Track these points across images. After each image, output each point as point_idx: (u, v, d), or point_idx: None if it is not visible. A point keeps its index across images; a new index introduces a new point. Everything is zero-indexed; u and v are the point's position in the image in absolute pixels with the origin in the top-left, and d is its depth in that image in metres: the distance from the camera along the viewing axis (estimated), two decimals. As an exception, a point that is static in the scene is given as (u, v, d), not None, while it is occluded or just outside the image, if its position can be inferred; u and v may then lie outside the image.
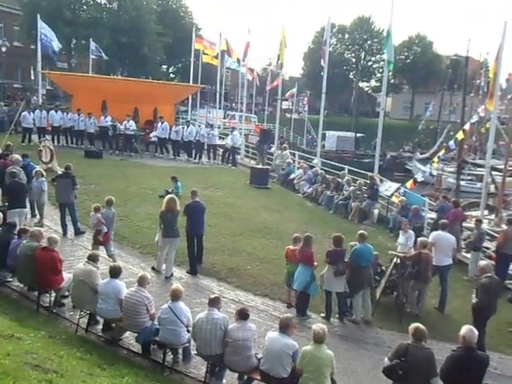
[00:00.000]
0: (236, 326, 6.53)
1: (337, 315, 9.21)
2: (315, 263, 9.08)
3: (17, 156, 12.90)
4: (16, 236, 8.95)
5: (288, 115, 48.80)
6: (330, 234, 12.60)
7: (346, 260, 9.06)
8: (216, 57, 32.78)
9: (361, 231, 9.66)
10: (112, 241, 10.70)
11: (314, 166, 20.18)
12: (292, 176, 19.84)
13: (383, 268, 10.13)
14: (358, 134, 43.91)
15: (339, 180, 17.33)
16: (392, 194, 16.23)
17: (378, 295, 9.66)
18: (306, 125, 46.23)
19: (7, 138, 17.91)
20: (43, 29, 27.02)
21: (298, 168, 20.67)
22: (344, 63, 59.67)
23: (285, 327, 6.26)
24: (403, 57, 58.13)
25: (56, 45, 28.08)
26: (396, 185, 17.01)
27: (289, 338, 6.23)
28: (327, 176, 18.32)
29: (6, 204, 11.31)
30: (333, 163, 21.44)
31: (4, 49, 32.47)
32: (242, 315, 6.57)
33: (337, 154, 37.43)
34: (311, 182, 18.51)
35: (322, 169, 19.49)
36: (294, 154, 23.10)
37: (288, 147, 23.80)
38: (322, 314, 9.16)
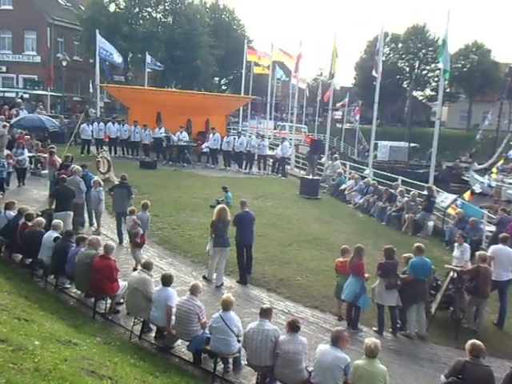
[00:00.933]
0: (286, 338, 6.49)
1: (390, 329, 8.96)
2: (366, 275, 8.91)
3: (77, 167, 13.44)
4: (74, 244, 9.31)
5: (339, 125, 48.39)
6: (382, 246, 12.31)
7: (398, 273, 8.83)
8: (267, 68, 33.05)
9: (418, 244, 9.39)
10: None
11: (365, 177, 19.87)
12: (343, 186, 19.61)
13: (439, 282, 9.79)
14: (412, 144, 42.84)
15: (392, 191, 16.96)
16: (448, 206, 15.71)
17: (434, 310, 9.33)
18: (357, 135, 45.66)
19: (67, 149, 18.74)
20: (102, 43, 28.20)
21: (349, 178, 20.40)
22: (397, 72, 58.61)
23: (336, 340, 6.16)
24: (460, 65, 56.47)
25: (117, 57, 29.21)
26: (452, 196, 16.47)
27: (341, 351, 6.12)
28: (379, 187, 17.97)
29: (53, 207, 11.73)
30: (385, 174, 21.01)
31: (64, 63, 34.00)
32: (293, 327, 6.51)
33: (389, 165, 36.64)
34: (363, 192, 18.21)
35: (373, 179, 19.14)
36: (344, 165, 22.85)
37: (339, 157, 23.57)
38: (375, 328, 8.95)
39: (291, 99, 33.19)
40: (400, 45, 60.09)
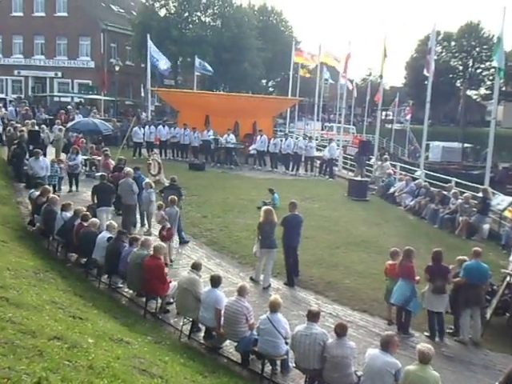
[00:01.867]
0: (334, 342, 6.42)
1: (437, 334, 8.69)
2: (417, 278, 8.69)
3: (129, 169, 13.83)
4: (127, 244, 9.58)
5: (389, 126, 47.47)
6: (434, 249, 12.03)
7: (448, 277, 8.55)
8: (310, 72, 32.89)
9: (475, 248, 9.06)
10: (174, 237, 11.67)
11: (416, 178, 19.37)
12: (392, 188, 19.19)
13: (495, 287, 9.41)
14: (466, 145, 41.48)
15: (445, 193, 16.45)
16: (505, 209, 15.07)
17: (489, 315, 8.98)
18: (407, 135, 44.63)
19: (120, 152, 19.32)
20: (152, 49, 28.94)
21: (400, 180, 19.96)
22: (450, 71, 56.98)
23: (386, 345, 6.03)
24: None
25: (164, 63, 29.87)
26: (509, 198, 15.77)
27: (391, 356, 5.99)
28: (431, 188, 17.48)
29: (95, 203, 12.60)
30: (438, 175, 20.42)
31: (117, 68, 35.04)
32: (340, 331, 6.43)
33: (442, 166, 35.58)
34: (414, 194, 17.75)
35: (425, 181, 18.63)
36: (394, 166, 22.38)
37: (389, 158, 23.11)
38: (426, 333, 8.70)
39: (339, 100, 32.88)
40: (453, 43, 58.47)
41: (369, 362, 6.07)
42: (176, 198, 11.90)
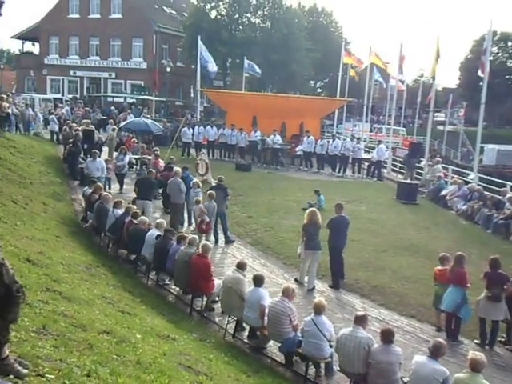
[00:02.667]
0: (380, 348, 6.30)
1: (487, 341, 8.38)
2: (468, 284, 8.41)
3: (177, 168, 14.10)
4: (174, 242, 9.76)
5: (440, 127, 46.13)
6: (487, 255, 11.53)
7: (507, 285, 8.22)
8: (358, 74, 32.46)
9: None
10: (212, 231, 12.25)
11: (469, 182, 18.74)
12: (444, 192, 18.62)
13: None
14: (523, 148, 39.69)
15: (499, 197, 15.83)
16: None
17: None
18: (461, 137, 43.23)
19: (169, 151, 19.71)
20: (202, 50, 29.36)
21: (452, 183, 19.36)
22: (507, 72, 54.77)
23: (435, 352, 5.88)
24: None
25: (211, 66, 30.27)
26: None
27: (438, 363, 5.85)
28: (485, 192, 16.86)
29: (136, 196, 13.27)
30: (492, 179, 19.66)
31: (168, 69, 35.74)
32: (387, 337, 6.31)
33: (497, 169, 34.17)
34: (466, 198, 17.17)
35: (479, 185, 18.00)
36: (446, 169, 21.73)
37: (440, 161, 22.46)
38: (476, 341, 8.41)
39: (389, 101, 32.21)
40: (510, 43, 56.23)
41: (416, 369, 5.94)
42: (213, 193, 12.32)
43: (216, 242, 12.46)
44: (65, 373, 3.45)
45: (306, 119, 26.22)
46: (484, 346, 8.28)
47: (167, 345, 5.79)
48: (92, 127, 20.97)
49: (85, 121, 22.84)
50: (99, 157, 16.15)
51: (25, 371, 3.18)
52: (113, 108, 32.93)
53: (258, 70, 33.93)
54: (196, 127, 25.27)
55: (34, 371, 3.27)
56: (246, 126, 24.71)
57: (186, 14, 46.29)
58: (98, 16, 45.52)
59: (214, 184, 14.85)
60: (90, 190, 12.64)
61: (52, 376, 3.32)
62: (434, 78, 24.22)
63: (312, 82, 56.59)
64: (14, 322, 1.66)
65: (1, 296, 1.56)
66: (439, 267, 8.92)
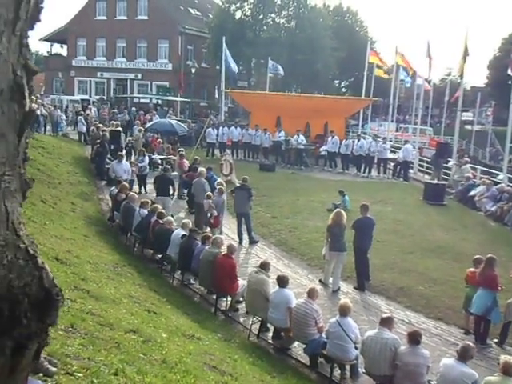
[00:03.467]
0: (407, 349, 6.23)
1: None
2: (499, 287, 8.24)
3: (202, 169, 14.18)
4: (199, 242, 9.82)
5: (468, 127, 45.28)
6: (517, 258, 11.36)
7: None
8: (388, 72, 32.09)
9: None
10: (221, 224, 12.65)
11: (499, 182, 18.34)
12: (472, 192, 18.26)
13: None
14: (554, 147, 38.64)
15: (530, 198, 15.46)
16: None
17: None
18: (489, 137, 42.36)
19: (194, 152, 19.84)
20: (226, 51, 29.51)
21: (480, 184, 18.97)
22: (536, 69, 53.39)
23: (463, 355, 5.79)
24: None
25: (233, 66, 30.45)
26: None
27: (467, 366, 5.75)
28: (515, 194, 16.46)
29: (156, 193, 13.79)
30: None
31: (193, 70, 35.95)
32: (414, 339, 6.23)
33: (527, 170, 33.41)
34: (495, 199, 16.80)
35: (508, 185, 17.60)
36: (475, 169, 21.32)
37: (468, 161, 22.04)
38: (495, 340, 8.26)
39: (415, 100, 31.76)
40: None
41: (444, 372, 5.85)
42: (222, 188, 12.68)
43: (240, 242, 12.47)
44: (93, 371, 3.50)
45: (330, 119, 26.06)
46: (502, 345, 8.14)
47: (192, 344, 5.82)
48: (119, 128, 21.26)
49: (114, 122, 23.15)
50: (126, 160, 16.31)
51: (54, 369, 3.24)
52: (134, 109, 33.27)
53: (282, 70, 33.88)
54: (220, 128, 25.39)
55: (62, 369, 3.33)
56: (270, 126, 24.70)
57: (210, 15, 46.51)
58: (125, 18, 46.07)
59: (238, 184, 14.88)
60: (117, 190, 12.81)
61: (80, 374, 3.37)
62: (461, 77, 23.81)
63: (337, 82, 56.18)
64: (53, 325, 1.68)
65: (41, 300, 1.58)
66: (472, 269, 8.76)
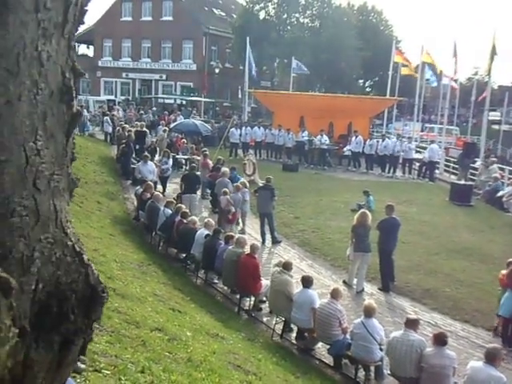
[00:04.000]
0: (433, 351, 6.15)
1: None
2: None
3: (225, 169, 14.25)
4: (222, 241, 9.86)
5: (496, 127, 44.37)
6: (546, 260, 11.07)
7: None
8: (416, 70, 31.71)
9: None
10: (241, 221, 13.02)
11: (527, 183, 17.94)
12: (500, 193, 17.88)
13: None
14: None
15: (559, 200, 15.07)
16: None
17: None
18: (517, 137, 41.40)
19: (217, 152, 19.94)
20: (250, 51, 29.62)
21: (508, 184, 18.58)
22: None
23: (492, 357, 5.68)
24: None
25: (253, 68, 30.65)
26: None
27: (495, 369, 5.64)
28: (544, 195, 16.09)
29: (183, 190, 13.94)
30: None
31: (217, 70, 36.10)
32: (440, 340, 6.15)
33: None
34: (524, 200, 16.46)
35: (537, 186, 17.20)
36: (503, 169, 20.89)
37: (496, 161, 21.60)
38: None
39: (441, 100, 31.29)
40: None
41: (471, 375, 5.75)
42: (239, 185, 12.93)
43: (263, 242, 12.48)
44: (120, 369, 3.54)
45: (354, 119, 25.85)
46: None
47: (216, 343, 5.85)
48: (145, 129, 21.49)
49: (139, 123, 23.40)
50: (151, 160, 16.42)
51: (83, 366, 3.29)
52: (154, 109, 33.43)
53: (305, 69, 33.74)
54: (243, 128, 25.43)
55: (91, 366, 3.38)
56: (293, 126, 24.63)
57: (234, 16, 46.66)
58: (150, 19, 46.54)
59: (261, 184, 14.88)
60: (142, 190, 12.95)
61: (108, 372, 3.42)
62: (489, 76, 23.37)
63: (361, 82, 55.68)
64: (98, 322, 1.73)
65: (87, 296, 1.63)
66: (504, 271, 8.60)
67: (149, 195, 12.29)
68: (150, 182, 13.42)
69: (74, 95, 1.62)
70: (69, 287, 1.56)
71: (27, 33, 1.40)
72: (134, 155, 18.35)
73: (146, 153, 17.00)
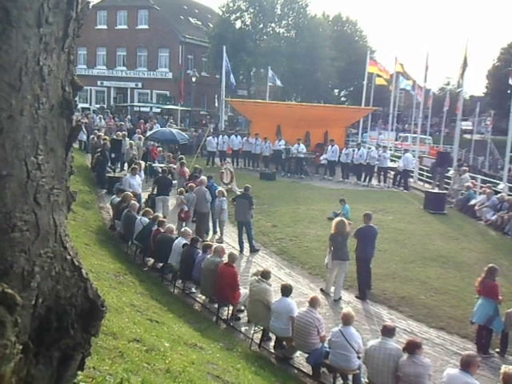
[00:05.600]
0: (406, 360, 6.18)
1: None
2: (500, 297, 8.24)
3: (203, 177, 14.21)
4: (200, 250, 9.81)
5: (468, 136, 45.42)
6: (518, 267, 11.36)
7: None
8: (389, 80, 32.29)
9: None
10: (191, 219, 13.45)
11: (499, 192, 18.37)
12: (472, 202, 18.29)
13: None
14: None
15: (530, 208, 15.47)
16: None
17: None
18: (488, 146, 42.50)
19: (194, 160, 19.87)
20: (226, 61, 29.69)
21: (480, 193, 19.00)
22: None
23: (467, 365, 5.75)
24: None
25: (231, 77, 30.76)
26: None
27: (471, 376, 5.72)
28: (515, 203, 16.48)
29: (155, 192, 14.45)
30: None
31: (194, 79, 36.05)
32: (411, 348, 6.19)
33: (526, 179, 33.44)
34: (496, 208, 16.81)
35: (509, 194, 17.63)
36: (474, 178, 21.35)
37: (468, 170, 22.08)
38: (497, 350, 8.23)
39: (415, 109, 31.89)
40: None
41: (447, 382, 5.82)
42: (193, 185, 13.82)
43: (241, 250, 12.47)
44: (98, 381, 3.48)
45: (330, 128, 26.13)
46: (504, 355, 8.14)
47: (195, 353, 5.80)
48: (121, 138, 21.27)
49: (120, 133, 23.15)
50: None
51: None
52: (129, 117, 33.03)
53: (279, 82, 34.04)
54: (220, 136, 25.43)
55: (75, 378, 3.29)
56: (270, 135, 24.76)
57: (211, 25, 46.79)
58: (125, 27, 46.33)
59: (238, 193, 14.89)
60: (118, 199, 12.81)
61: (86, 384, 3.36)
62: (459, 87, 23.93)
63: (336, 91, 56.45)
64: (96, 336, 1.70)
65: (86, 310, 1.60)
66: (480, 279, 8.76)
67: (126, 204, 12.15)
68: (127, 192, 13.22)
69: (74, 109, 1.62)
70: (68, 302, 1.55)
71: (29, 47, 1.41)
72: (109, 164, 18.14)
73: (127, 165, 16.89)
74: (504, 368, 5.66)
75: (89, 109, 38.95)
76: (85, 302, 1.60)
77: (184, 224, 12.93)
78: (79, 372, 3.44)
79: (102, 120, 29.19)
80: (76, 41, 1.60)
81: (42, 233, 1.51)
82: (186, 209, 13.05)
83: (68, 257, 1.60)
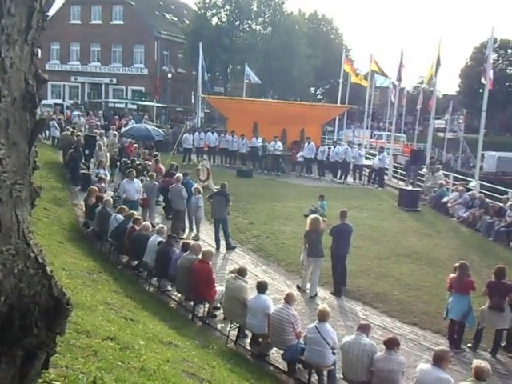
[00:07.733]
0: (382, 356, 6.27)
1: (489, 349, 8.35)
2: (471, 291, 8.43)
3: (179, 174, 14.11)
4: (176, 248, 9.74)
5: (441, 134, 46.20)
6: (488, 263, 11.62)
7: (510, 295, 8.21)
8: (365, 78, 32.59)
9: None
10: (154, 207, 14.43)
11: (470, 189, 18.74)
12: (445, 199, 18.61)
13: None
14: (523, 155, 39.66)
15: (501, 204, 15.83)
16: None
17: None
18: (461, 145, 43.30)
19: (170, 157, 19.72)
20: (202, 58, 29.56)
21: (453, 190, 19.36)
22: (507, 79, 55.01)
23: (439, 360, 5.86)
24: None
25: (205, 74, 30.73)
26: None
27: (443, 371, 5.82)
28: (486, 200, 16.85)
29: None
30: (493, 186, 19.65)
31: (170, 75, 35.79)
32: (389, 345, 6.28)
33: (497, 177, 34.18)
34: (468, 205, 17.16)
35: (480, 192, 18.00)
36: (447, 176, 21.74)
37: (441, 168, 22.46)
38: (469, 344, 8.41)
39: (389, 108, 32.31)
40: (510, 51, 56.62)
41: (420, 377, 5.91)
42: (154, 174, 14.56)
43: (217, 248, 12.44)
44: (71, 380, 3.42)
45: (306, 126, 26.25)
46: (475, 350, 8.31)
47: (170, 351, 5.76)
48: (94, 134, 20.92)
49: (97, 131, 22.68)
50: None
51: None
52: (100, 112, 32.49)
53: (257, 78, 34.02)
54: (197, 133, 25.29)
55: (40, 378, 3.23)
56: (247, 132, 24.75)
57: (187, 21, 46.45)
58: (100, 22, 45.62)
59: (215, 190, 14.85)
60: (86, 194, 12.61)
61: (58, 383, 3.29)
62: (431, 86, 24.31)
63: (312, 89, 56.73)
64: (62, 335, 1.66)
65: (50, 308, 1.56)
66: (452, 275, 8.90)
67: (94, 200, 11.97)
68: (94, 187, 13.00)
69: (37, 102, 1.57)
70: (32, 300, 1.51)
71: None
72: (83, 160, 17.86)
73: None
74: (475, 362, 5.78)
75: (62, 105, 38.19)
76: (49, 300, 1.56)
77: (148, 213, 13.91)
78: (50, 370, 3.38)
79: (81, 118, 28.48)
80: (41, 33, 1.56)
81: (4, 229, 1.46)
82: (145, 195, 13.88)
83: (32, 254, 1.56)
